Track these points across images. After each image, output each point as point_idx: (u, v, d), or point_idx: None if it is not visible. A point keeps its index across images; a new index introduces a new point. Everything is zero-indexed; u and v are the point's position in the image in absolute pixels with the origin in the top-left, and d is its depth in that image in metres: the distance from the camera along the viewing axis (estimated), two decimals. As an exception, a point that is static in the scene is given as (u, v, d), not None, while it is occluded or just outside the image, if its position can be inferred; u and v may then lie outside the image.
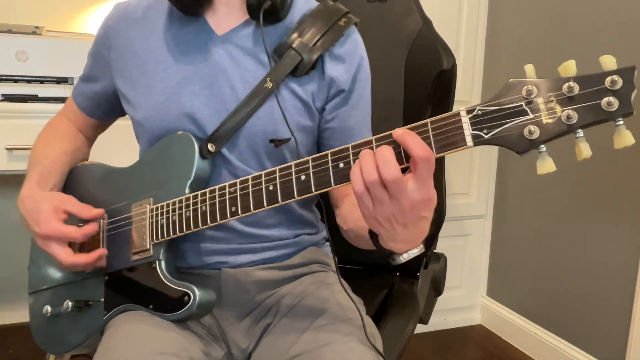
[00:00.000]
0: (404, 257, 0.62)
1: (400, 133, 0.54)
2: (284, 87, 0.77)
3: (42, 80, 1.50)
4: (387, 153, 0.54)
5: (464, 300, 2.15)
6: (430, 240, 1.13)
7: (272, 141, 0.76)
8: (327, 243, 0.94)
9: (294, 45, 0.76)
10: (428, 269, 1.13)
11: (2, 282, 1.95)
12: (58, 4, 1.84)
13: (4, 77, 1.46)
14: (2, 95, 1.45)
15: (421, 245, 0.62)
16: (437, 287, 1.14)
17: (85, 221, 0.80)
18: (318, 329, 0.72)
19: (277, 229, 0.83)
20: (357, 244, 0.78)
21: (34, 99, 1.47)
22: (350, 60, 0.80)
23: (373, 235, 0.64)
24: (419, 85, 1.11)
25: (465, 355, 1.97)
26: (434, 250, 1.17)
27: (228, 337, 0.80)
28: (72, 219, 0.79)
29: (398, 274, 1.16)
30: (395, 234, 0.58)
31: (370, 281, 1.13)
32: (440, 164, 1.14)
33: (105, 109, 0.93)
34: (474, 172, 2.06)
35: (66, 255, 0.76)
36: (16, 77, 1.48)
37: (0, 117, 1.40)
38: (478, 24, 2.00)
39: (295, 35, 0.77)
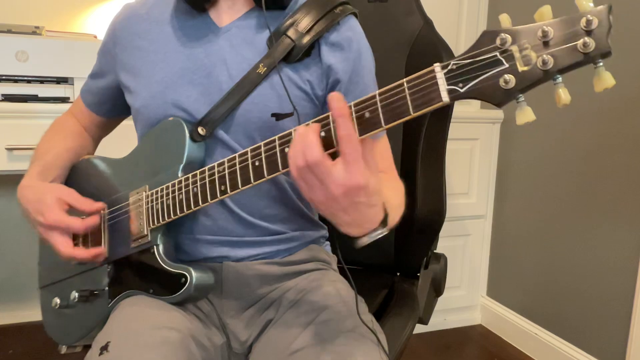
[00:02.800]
0: (365, 240, 0.61)
1: (335, 107, 0.53)
2: (279, 73, 0.77)
3: (42, 80, 1.50)
4: (310, 135, 0.54)
5: (464, 300, 2.15)
6: (433, 238, 1.13)
7: (274, 115, 0.77)
8: (328, 242, 0.94)
9: (288, 32, 0.77)
10: (428, 270, 1.13)
11: (2, 283, 1.95)
12: (58, 4, 1.84)
13: (4, 77, 1.46)
14: (2, 95, 1.45)
15: (383, 228, 0.61)
16: (438, 288, 1.14)
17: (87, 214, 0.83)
18: (321, 324, 0.73)
19: (275, 221, 0.83)
20: None
21: (34, 99, 1.47)
22: (349, 48, 0.80)
23: None
24: (419, 85, 1.11)
25: (465, 355, 1.97)
26: (435, 251, 1.17)
27: (228, 329, 0.81)
28: (74, 212, 0.81)
29: (398, 274, 1.16)
30: (337, 218, 0.58)
31: (370, 281, 1.13)
32: (440, 163, 1.14)
33: (109, 105, 0.95)
34: (474, 172, 2.06)
35: (65, 246, 0.79)
36: (16, 77, 1.48)
37: (0, 117, 1.40)
38: (478, 24, 2.00)
39: (289, 22, 0.77)
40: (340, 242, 0.85)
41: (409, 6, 1.14)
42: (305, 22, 0.77)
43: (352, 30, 0.81)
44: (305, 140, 0.54)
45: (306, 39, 0.76)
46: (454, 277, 2.08)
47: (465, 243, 2.10)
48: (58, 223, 0.78)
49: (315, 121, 0.58)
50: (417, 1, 1.15)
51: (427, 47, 1.11)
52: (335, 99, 0.54)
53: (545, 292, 1.85)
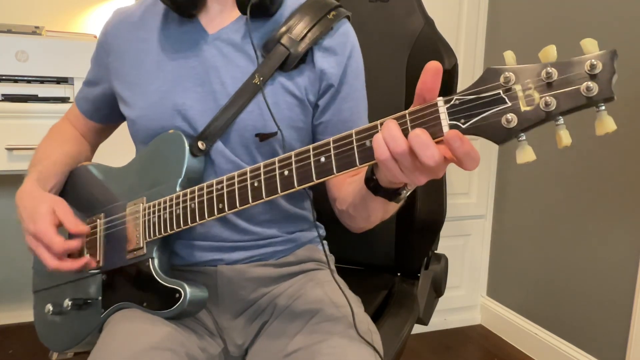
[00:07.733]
0: (408, 191, 0.62)
1: (455, 147, 0.49)
2: (274, 82, 0.77)
3: (42, 80, 1.50)
4: (424, 137, 0.50)
5: (464, 300, 2.15)
6: (433, 238, 1.13)
7: (257, 135, 0.77)
8: (325, 241, 0.94)
9: (282, 40, 0.77)
10: (429, 270, 1.13)
11: (2, 283, 1.95)
12: (58, 4, 1.84)
13: (4, 77, 1.46)
14: (2, 95, 1.45)
15: None
16: (438, 288, 1.14)
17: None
18: (314, 326, 0.73)
19: (270, 226, 0.83)
20: (353, 221, 0.77)
21: (34, 99, 1.47)
22: (341, 52, 0.80)
23: (370, 183, 0.64)
24: (420, 85, 1.11)
25: (465, 355, 1.97)
26: (435, 251, 1.17)
27: (225, 334, 0.81)
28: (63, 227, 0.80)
29: (399, 274, 1.16)
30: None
31: (370, 281, 1.13)
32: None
33: (104, 112, 0.94)
34: (474, 172, 2.06)
35: (51, 259, 0.77)
36: (16, 77, 1.48)
37: (0, 117, 1.40)
38: (478, 24, 2.00)
39: (283, 29, 0.77)
40: (341, 242, 0.85)
41: (410, 6, 1.14)
42: (299, 29, 0.77)
43: (345, 34, 0.81)
44: (420, 142, 0.50)
45: (301, 47, 0.76)
46: (454, 277, 2.08)
47: (465, 243, 2.10)
48: (43, 236, 0.76)
49: (344, 137, 0.56)
50: (418, 1, 1.15)
51: (428, 46, 1.11)
52: (457, 139, 0.50)
53: (545, 292, 1.85)
